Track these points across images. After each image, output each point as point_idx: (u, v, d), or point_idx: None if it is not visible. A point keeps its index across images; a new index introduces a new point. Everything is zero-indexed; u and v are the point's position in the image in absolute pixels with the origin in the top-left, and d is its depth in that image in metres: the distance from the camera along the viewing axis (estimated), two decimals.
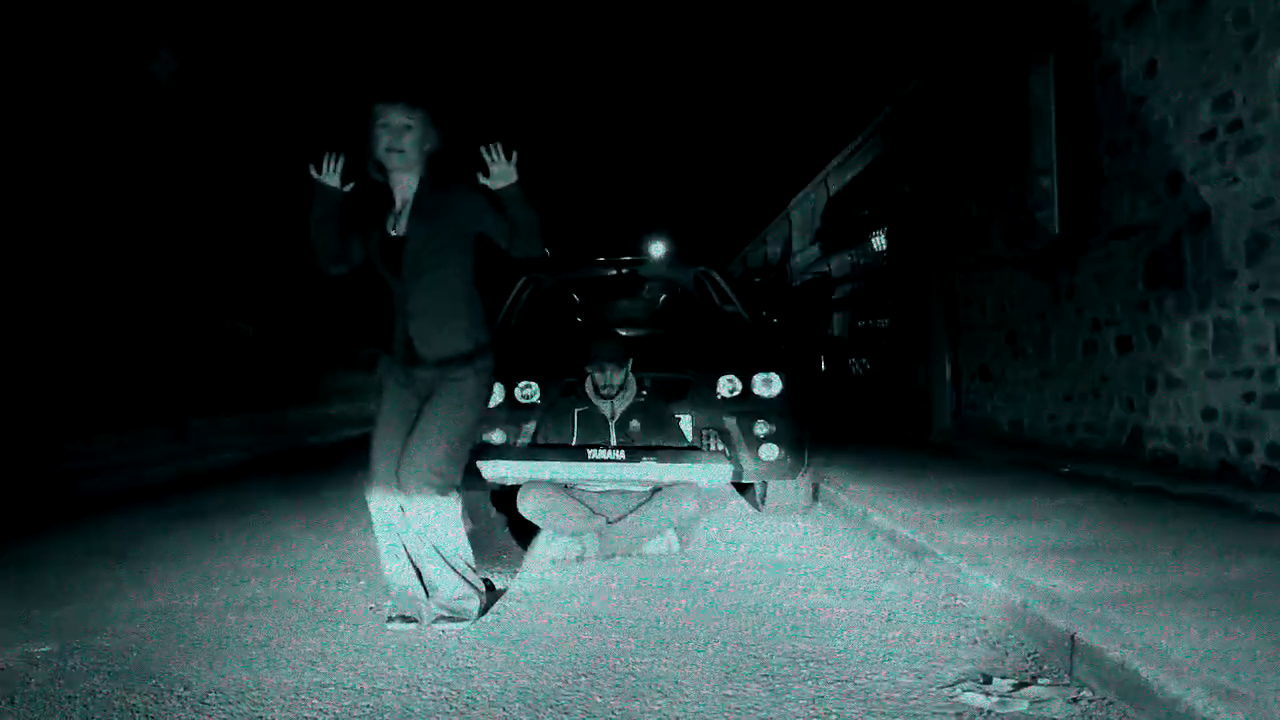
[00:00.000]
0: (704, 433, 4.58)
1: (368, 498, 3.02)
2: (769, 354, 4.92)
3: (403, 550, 3.01)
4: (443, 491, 2.92)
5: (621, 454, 4.10)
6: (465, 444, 3.04)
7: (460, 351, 2.98)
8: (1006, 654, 2.68)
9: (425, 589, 3.01)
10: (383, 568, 3.07)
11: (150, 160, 11.34)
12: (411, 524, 2.95)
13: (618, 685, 2.44)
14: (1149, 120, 5.85)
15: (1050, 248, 7.06)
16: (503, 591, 3.46)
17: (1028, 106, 7.11)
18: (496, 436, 4.61)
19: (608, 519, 4.08)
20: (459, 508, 3.02)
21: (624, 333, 4.86)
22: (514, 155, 2.83)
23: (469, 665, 2.61)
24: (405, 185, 3.02)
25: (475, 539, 4.46)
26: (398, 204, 3.02)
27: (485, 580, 3.46)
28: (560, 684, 2.45)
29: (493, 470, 4.21)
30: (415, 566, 3.01)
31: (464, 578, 3.01)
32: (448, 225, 2.98)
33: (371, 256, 3.05)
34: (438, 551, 2.97)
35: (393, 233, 2.99)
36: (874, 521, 4.46)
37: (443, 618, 2.95)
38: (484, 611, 3.08)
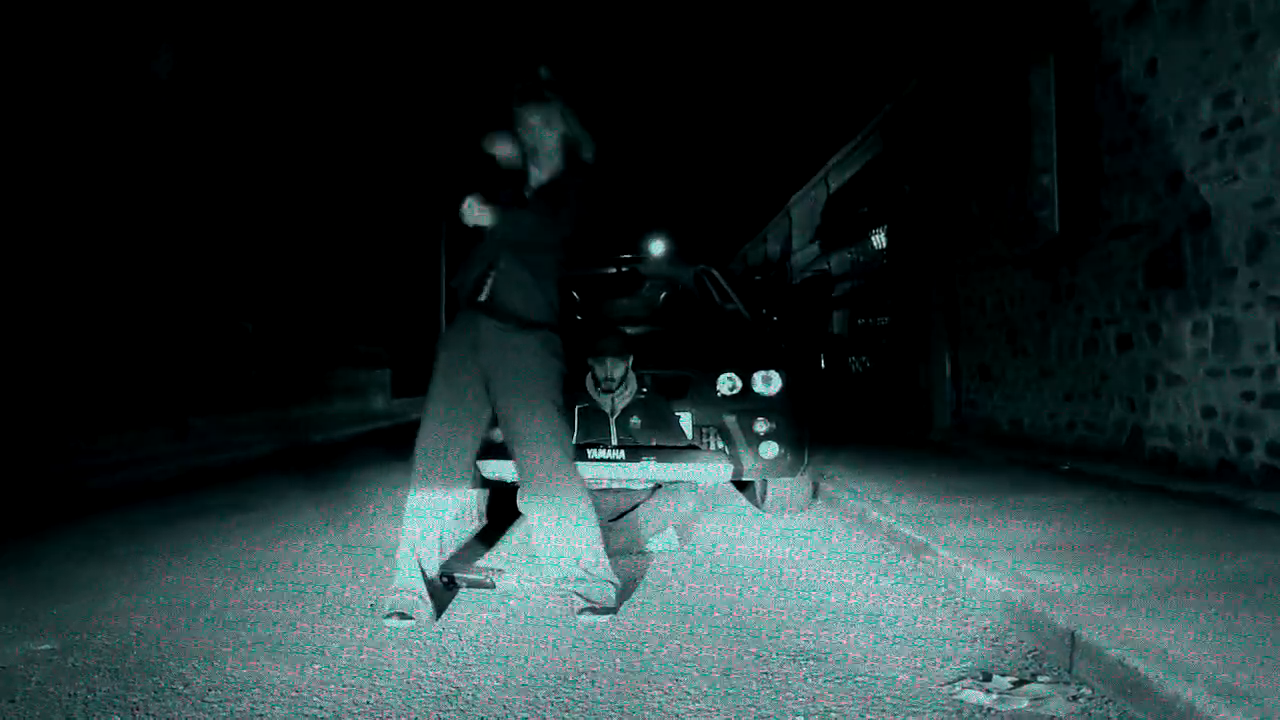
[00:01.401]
0: (704, 430, 4.58)
1: (409, 493, 3.09)
2: (769, 352, 4.92)
3: (417, 550, 3.04)
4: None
5: (622, 453, 4.10)
6: (561, 413, 3.18)
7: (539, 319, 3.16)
8: (1006, 651, 2.68)
9: (429, 592, 3.03)
10: (397, 563, 3.08)
11: (151, 158, 11.34)
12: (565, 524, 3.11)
13: (618, 683, 2.44)
14: (1149, 119, 5.85)
15: (1050, 247, 7.06)
16: (502, 590, 3.46)
17: (1028, 106, 7.11)
18: (496, 435, 4.61)
19: (608, 517, 4.08)
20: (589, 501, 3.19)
21: (624, 330, 4.86)
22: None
23: (470, 662, 2.62)
24: (537, 170, 3.24)
25: (476, 538, 4.50)
26: (533, 182, 3.24)
27: (488, 578, 3.47)
28: (560, 681, 2.45)
29: (492, 470, 4.21)
30: (423, 571, 3.04)
31: (591, 571, 3.10)
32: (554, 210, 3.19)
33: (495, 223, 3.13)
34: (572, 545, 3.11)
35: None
36: (874, 519, 4.47)
37: (587, 609, 3.03)
38: (622, 599, 3.15)
